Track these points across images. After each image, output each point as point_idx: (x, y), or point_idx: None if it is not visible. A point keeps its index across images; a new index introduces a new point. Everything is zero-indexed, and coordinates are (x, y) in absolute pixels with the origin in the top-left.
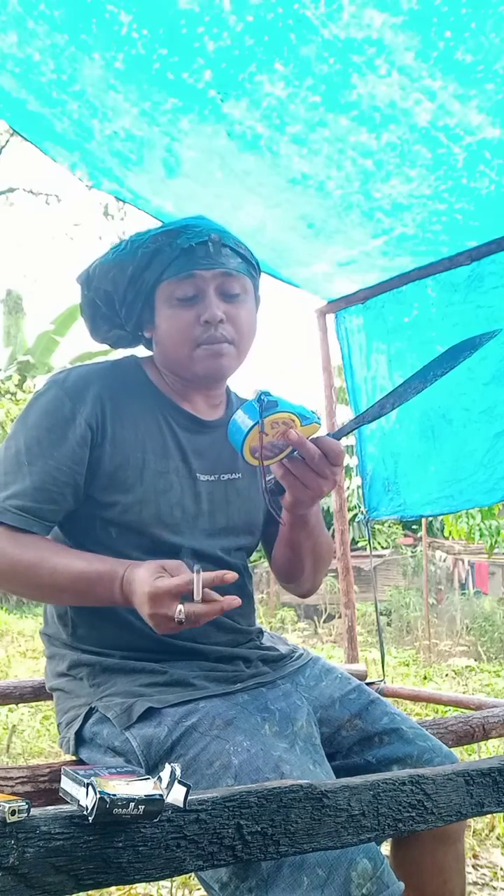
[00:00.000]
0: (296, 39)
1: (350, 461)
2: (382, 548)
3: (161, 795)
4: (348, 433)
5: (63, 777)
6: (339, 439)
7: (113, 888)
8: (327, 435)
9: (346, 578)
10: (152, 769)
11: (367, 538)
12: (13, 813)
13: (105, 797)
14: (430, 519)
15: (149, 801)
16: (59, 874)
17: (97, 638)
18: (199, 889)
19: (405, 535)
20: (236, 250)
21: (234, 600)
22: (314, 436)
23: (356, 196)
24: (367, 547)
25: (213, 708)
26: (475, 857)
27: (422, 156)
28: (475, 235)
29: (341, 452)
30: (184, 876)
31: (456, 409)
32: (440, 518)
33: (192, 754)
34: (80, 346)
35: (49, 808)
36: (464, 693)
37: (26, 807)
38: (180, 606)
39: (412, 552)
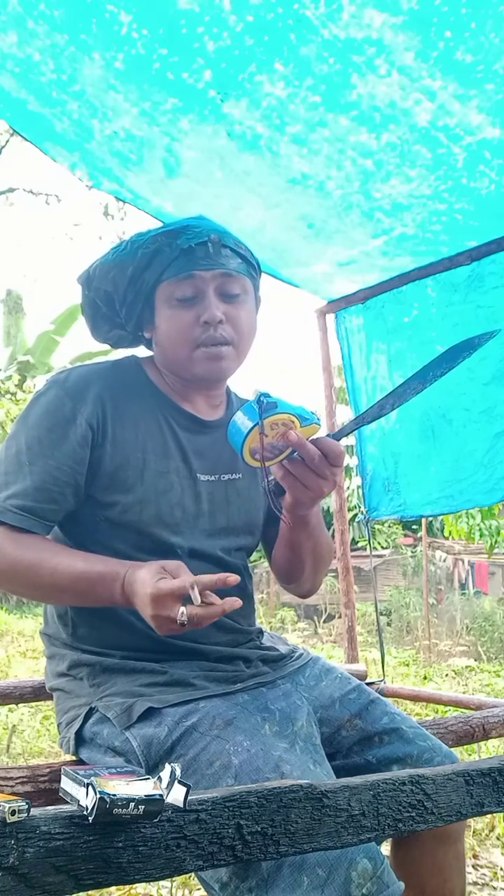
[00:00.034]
0: (296, 39)
1: (350, 461)
2: (382, 548)
3: (161, 795)
4: (348, 434)
5: (63, 777)
6: (338, 440)
7: (113, 888)
8: (327, 436)
9: (346, 578)
10: (152, 769)
11: (367, 538)
12: (13, 813)
13: (105, 797)
14: (430, 519)
15: (149, 801)
16: (59, 874)
17: (97, 638)
18: (199, 889)
19: (405, 535)
20: (236, 251)
21: (235, 602)
22: (314, 437)
23: (356, 196)
24: (367, 547)
25: (214, 708)
26: (475, 857)
27: (422, 156)
28: (475, 235)
29: (341, 453)
30: (184, 876)
31: (456, 409)
32: (440, 518)
33: (193, 754)
34: (80, 346)
35: (49, 808)
36: (464, 693)
37: (26, 807)
38: (183, 608)
39: (412, 552)
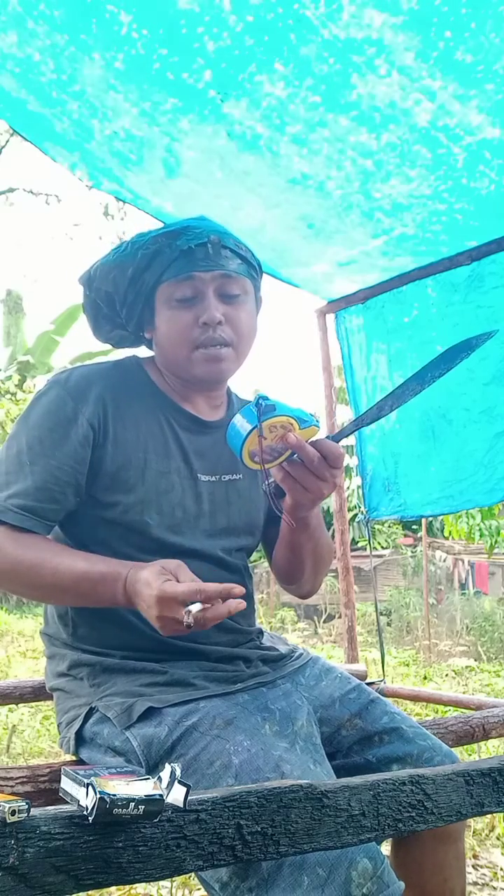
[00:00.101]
0: (296, 39)
1: (350, 461)
2: (382, 548)
3: (161, 795)
4: (347, 436)
5: (63, 777)
6: (338, 442)
7: (113, 888)
8: (326, 438)
9: (346, 578)
10: (153, 769)
11: (367, 538)
12: (13, 813)
13: (105, 797)
14: (430, 519)
15: (149, 801)
16: (59, 874)
17: (98, 638)
18: (199, 889)
19: (405, 535)
20: (236, 251)
21: (240, 604)
22: (313, 439)
23: (356, 196)
24: (367, 547)
25: (214, 708)
26: (475, 857)
27: (422, 156)
28: (475, 235)
29: (340, 455)
30: (184, 876)
31: (456, 409)
32: (440, 518)
33: (193, 754)
34: (80, 346)
35: (49, 808)
36: (464, 693)
37: (26, 807)
38: (189, 610)
39: (412, 552)
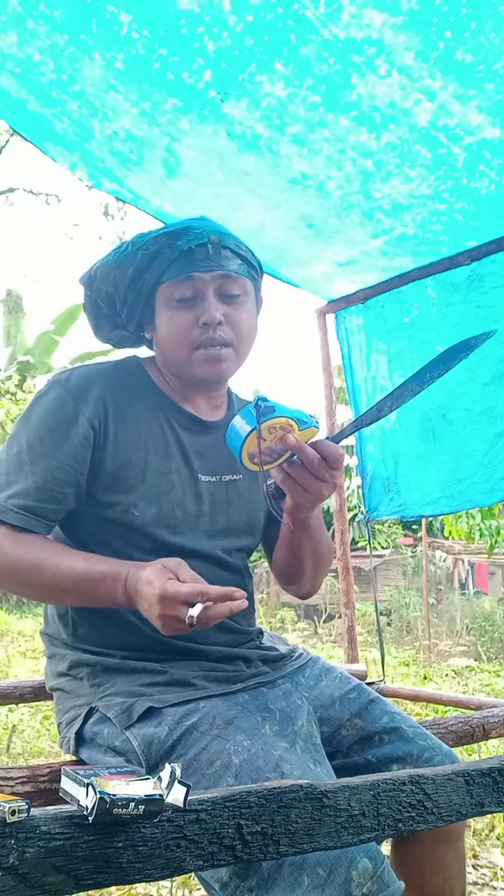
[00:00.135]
0: (296, 39)
1: (350, 461)
2: (382, 548)
3: (161, 795)
4: (347, 436)
5: (63, 777)
6: (337, 443)
7: (113, 888)
8: (326, 438)
9: (346, 578)
10: (153, 769)
11: (367, 538)
12: (13, 813)
13: (105, 797)
14: (430, 519)
15: (149, 801)
16: (59, 874)
17: (98, 638)
18: (199, 889)
19: (405, 535)
20: (237, 252)
21: (242, 603)
22: (313, 440)
23: (356, 196)
24: (367, 547)
25: (214, 707)
26: (475, 857)
27: (422, 156)
28: (475, 235)
29: (340, 456)
30: (184, 876)
31: (456, 409)
32: (440, 518)
33: (193, 754)
34: (80, 346)
35: (49, 808)
36: (464, 693)
37: (26, 807)
38: (191, 609)
39: (412, 552)
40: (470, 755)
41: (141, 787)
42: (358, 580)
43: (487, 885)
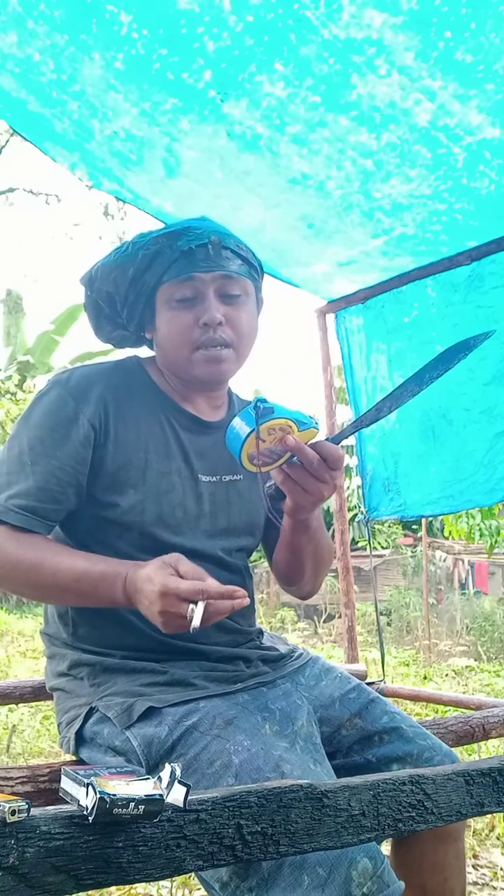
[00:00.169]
0: (296, 39)
1: (350, 461)
2: (382, 548)
3: (161, 795)
4: (346, 437)
5: (63, 777)
6: (337, 444)
7: (113, 888)
8: (326, 439)
9: (346, 578)
10: (153, 769)
11: (367, 538)
12: (13, 813)
13: (105, 797)
14: (430, 519)
15: (149, 801)
16: (59, 874)
17: (98, 638)
18: (199, 889)
19: (405, 535)
20: (237, 252)
21: (244, 601)
22: (312, 441)
23: (356, 196)
24: (367, 547)
25: (214, 707)
26: (475, 857)
27: (422, 156)
28: (475, 235)
29: (340, 457)
30: (184, 876)
31: (456, 409)
32: (440, 518)
33: (193, 753)
34: (80, 346)
35: (49, 808)
36: (464, 693)
37: (26, 807)
38: (192, 605)
39: (412, 552)
40: (470, 755)
41: (141, 787)
42: (358, 580)
43: (487, 885)
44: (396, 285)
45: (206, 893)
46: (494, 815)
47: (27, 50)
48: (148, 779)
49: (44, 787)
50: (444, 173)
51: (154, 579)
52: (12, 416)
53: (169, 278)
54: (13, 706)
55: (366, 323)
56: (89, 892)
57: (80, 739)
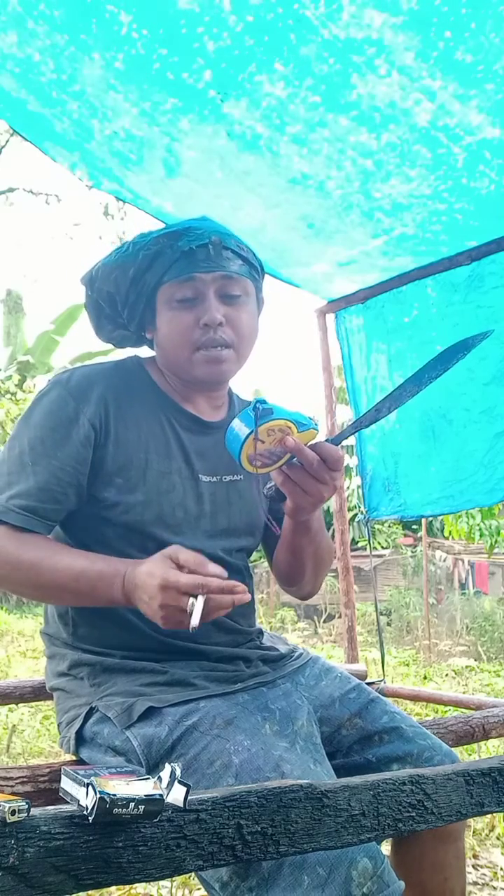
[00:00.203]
0: (296, 39)
1: (350, 461)
2: (382, 548)
3: (161, 795)
4: (346, 438)
5: (63, 777)
6: (337, 444)
7: (113, 888)
8: (325, 440)
9: (346, 578)
10: (153, 768)
11: (367, 538)
12: (13, 813)
13: (105, 797)
14: (430, 519)
15: (149, 801)
16: (59, 874)
17: (98, 637)
18: (199, 889)
19: (405, 535)
20: (238, 252)
21: (244, 597)
22: (312, 442)
23: (356, 196)
24: (367, 547)
25: (214, 707)
26: (475, 857)
27: (422, 156)
28: (475, 235)
29: (340, 458)
30: (184, 876)
31: (456, 409)
32: (440, 518)
33: (193, 753)
34: (80, 346)
35: (49, 808)
36: (464, 693)
37: (26, 807)
38: (192, 599)
39: (412, 552)
40: (470, 755)
41: (141, 787)
42: (358, 580)
43: (487, 885)
44: (396, 285)
45: (206, 893)
46: (494, 815)
47: (27, 50)
48: (148, 779)
49: (44, 787)
50: (444, 173)
51: (155, 573)
52: (12, 416)
53: (169, 278)
54: (13, 706)
55: (366, 323)
56: (89, 892)
57: (81, 739)
